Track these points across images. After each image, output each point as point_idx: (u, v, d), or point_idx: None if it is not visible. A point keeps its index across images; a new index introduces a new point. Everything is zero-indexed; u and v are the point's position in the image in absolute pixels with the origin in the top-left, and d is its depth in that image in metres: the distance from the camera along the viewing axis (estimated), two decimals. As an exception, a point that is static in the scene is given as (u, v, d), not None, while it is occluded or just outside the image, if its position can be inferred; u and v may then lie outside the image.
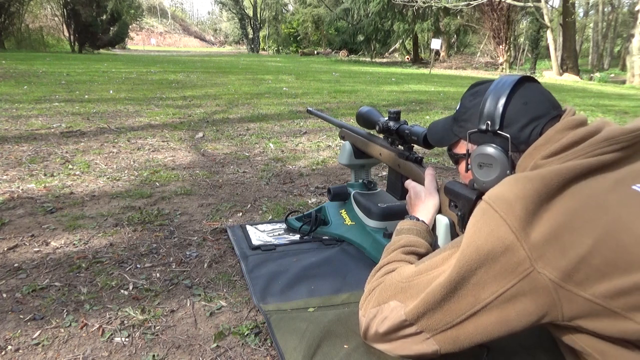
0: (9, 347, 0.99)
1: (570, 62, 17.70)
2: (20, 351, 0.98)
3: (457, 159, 1.02)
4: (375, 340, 0.92)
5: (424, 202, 1.12)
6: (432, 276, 0.83)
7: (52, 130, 3.37)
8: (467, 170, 0.97)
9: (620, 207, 0.69)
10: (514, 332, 0.75)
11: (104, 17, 22.30)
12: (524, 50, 22.67)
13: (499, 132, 0.89)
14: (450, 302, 0.78)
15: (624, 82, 15.55)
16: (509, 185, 0.76)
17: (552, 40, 17.17)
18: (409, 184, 1.21)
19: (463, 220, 1.02)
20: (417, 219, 1.09)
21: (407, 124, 1.28)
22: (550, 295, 0.69)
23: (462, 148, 0.99)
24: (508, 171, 0.88)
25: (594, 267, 0.67)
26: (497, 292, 0.73)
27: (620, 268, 0.66)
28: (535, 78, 0.95)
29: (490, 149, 0.90)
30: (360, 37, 23.87)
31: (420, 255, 0.97)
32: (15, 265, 1.36)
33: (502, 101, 0.89)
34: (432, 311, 0.80)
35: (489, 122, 0.90)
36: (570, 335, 0.77)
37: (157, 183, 2.22)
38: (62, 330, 1.06)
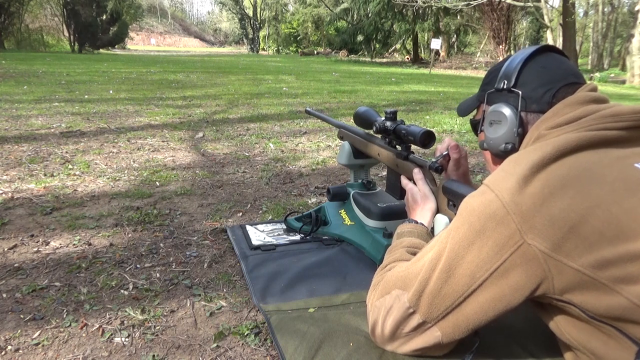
0: (9, 347, 0.99)
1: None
2: (20, 351, 0.98)
3: (475, 125, 1.03)
4: (382, 339, 0.92)
5: (421, 205, 1.13)
6: (428, 257, 0.84)
7: (52, 130, 3.37)
8: (480, 131, 0.99)
9: (616, 181, 0.70)
10: (509, 309, 0.76)
11: (104, 17, 22.33)
12: (524, 50, 22.60)
13: (512, 89, 0.90)
14: (447, 283, 0.78)
15: (624, 82, 15.54)
16: (506, 165, 0.77)
17: (552, 40, 17.18)
18: (406, 185, 1.22)
19: None
20: (416, 222, 1.09)
21: (404, 124, 1.28)
22: (541, 266, 0.70)
23: (481, 112, 1.01)
24: (515, 129, 0.89)
25: (582, 236, 0.67)
26: (491, 268, 0.74)
27: (607, 238, 0.66)
28: (561, 49, 0.96)
29: (501, 106, 0.92)
30: (360, 37, 23.86)
31: None
32: (15, 265, 1.36)
33: (520, 62, 0.91)
34: (431, 294, 0.80)
35: (505, 81, 0.92)
36: (558, 324, 0.77)
37: (157, 183, 2.22)
38: (62, 330, 1.06)
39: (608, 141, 0.76)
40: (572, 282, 0.69)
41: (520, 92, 0.89)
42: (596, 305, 0.68)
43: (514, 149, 0.90)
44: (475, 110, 1.05)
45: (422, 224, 1.09)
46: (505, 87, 0.91)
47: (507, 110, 0.90)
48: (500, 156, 0.93)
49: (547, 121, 0.84)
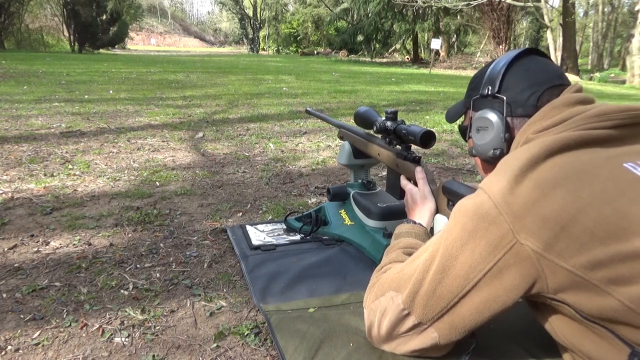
0: (9, 347, 0.99)
1: (570, 62, 17.69)
2: (20, 351, 0.98)
3: (464, 131, 1.03)
4: (379, 342, 0.92)
5: (420, 206, 1.14)
6: (423, 259, 0.84)
7: (52, 130, 3.37)
8: (468, 137, 0.99)
9: (607, 181, 0.70)
10: (505, 309, 0.76)
11: (104, 17, 22.33)
12: (524, 50, 22.60)
13: (496, 95, 0.90)
14: (441, 284, 0.78)
15: (624, 82, 15.54)
16: (499, 168, 0.78)
17: (552, 40, 17.18)
18: (405, 185, 1.22)
19: None
20: (415, 222, 1.10)
21: (405, 124, 1.28)
22: (534, 266, 0.70)
23: (468, 118, 1.02)
24: (502, 134, 0.89)
25: (573, 236, 0.67)
26: (485, 269, 0.74)
27: (598, 238, 0.66)
28: (544, 52, 0.96)
29: (487, 112, 0.92)
30: (360, 37, 23.85)
31: None
32: (15, 265, 1.36)
33: (503, 67, 0.91)
34: (425, 296, 0.80)
35: (489, 87, 0.92)
36: (552, 324, 0.78)
37: (157, 183, 2.22)
38: (62, 330, 1.06)
39: (596, 140, 0.76)
40: (565, 282, 0.69)
41: (504, 98, 0.89)
42: (588, 306, 0.69)
43: (503, 155, 0.90)
44: (463, 116, 1.05)
45: (421, 224, 1.09)
46: (490, 92, 0.92)
47: (493, 116, 0.90)
48: (489, 162, 0.94)
49: (534, 125, 0.84)
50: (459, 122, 1.08)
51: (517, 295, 0.73)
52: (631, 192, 0.68)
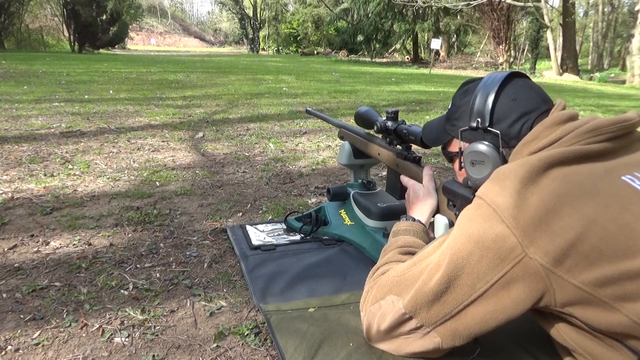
0: (9, 347, 0.99)
1: (570, 62, 17.70)
2: (20, 351, 0.98)
3: (451, 157, 1.03)
4: (378, 340, 0.92)
5: (422, 201, 1.13)
6: (426, 264, 0.83)
7: (52, 130, 3.37)
8: (460, 168, 0.99)
9: (608, 196, 0.70)
10: (511, 319, 0.76)
11: (104, 17, 22.32)
12: (524, 50, 22.68)
13: (489, 128, 0.90)
14: (446, 292, 0.78)
15: (624, 82, 15.55)
16: (497, 178, 0.78)
17: (552, 40, 17.17)
18: (407, 182, 1.22)
19: None
20: (414, 220, 1.09)
21: (405, 124, 1.28)
22: (543, 280, 0.70)
23: (455, 146, 1.00)
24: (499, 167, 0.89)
25: (582, 253, 0.67)
26: (492, 280, 0.74)
27: (606, 256, 0.66)
28: (525, 73, 0.96)
29: (481, 146, 0.91)
30: (360, 37, 23.85)
31: None
32: (15, 265, 1.36)
33: (491, 98, 0.90)
34: (429, 302, 0.80)
35: (479, 120, 0.91)
36: (559, 330, 0.78)
37: (157, 183, 2.22)
38: (62, 330, 1.06)
39: (592, 155, 0.76)
40: (573, 297, 0.69)
41: (499, 133, 0.89)
42: (596, 321, 0.69)
43: None
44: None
45: (419, 222, 1.09)
46: (480, 126, 0.91)
47: (488, 150, 0.90)
48: None
49: (529, 145, 0.84)
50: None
51: (525, 307, 0.74)
52: (634, 208, 0.68)
